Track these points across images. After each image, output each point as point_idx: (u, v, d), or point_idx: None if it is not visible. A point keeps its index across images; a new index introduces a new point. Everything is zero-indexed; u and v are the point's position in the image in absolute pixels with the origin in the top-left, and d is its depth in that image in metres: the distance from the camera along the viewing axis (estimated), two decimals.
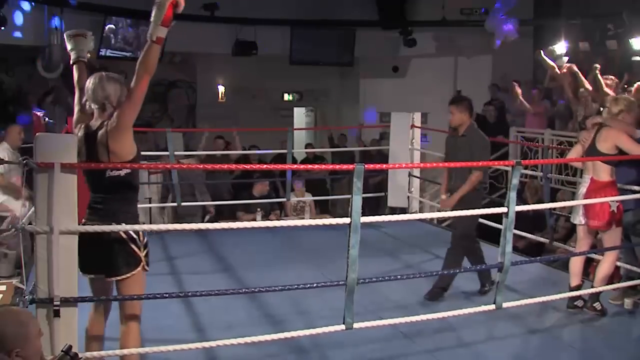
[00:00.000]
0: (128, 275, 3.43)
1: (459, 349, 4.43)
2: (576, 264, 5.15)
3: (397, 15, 12.47)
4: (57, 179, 3.29)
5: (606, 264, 5.04)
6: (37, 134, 3.43)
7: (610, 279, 5.98)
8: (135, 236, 3.43)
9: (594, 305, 4.98)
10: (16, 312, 2.54)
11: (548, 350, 4.50)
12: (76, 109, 3.63)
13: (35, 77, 10.85)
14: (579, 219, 5.12)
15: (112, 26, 10.76)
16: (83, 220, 3.47)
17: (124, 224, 3.38)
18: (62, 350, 2.53)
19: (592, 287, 5.00)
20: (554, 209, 6.59)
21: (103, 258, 3.42)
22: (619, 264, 5.58)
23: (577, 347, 4.59)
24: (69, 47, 3.83)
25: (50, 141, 3.43)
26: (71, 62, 3.84)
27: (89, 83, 3.44)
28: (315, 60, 12.54)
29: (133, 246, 3.43)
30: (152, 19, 3.27)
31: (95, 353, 3.66)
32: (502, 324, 4.83)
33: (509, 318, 4.90)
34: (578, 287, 5.10)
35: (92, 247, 3.37)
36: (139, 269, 3.46)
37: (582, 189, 5.08)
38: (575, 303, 5.07)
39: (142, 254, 3.47)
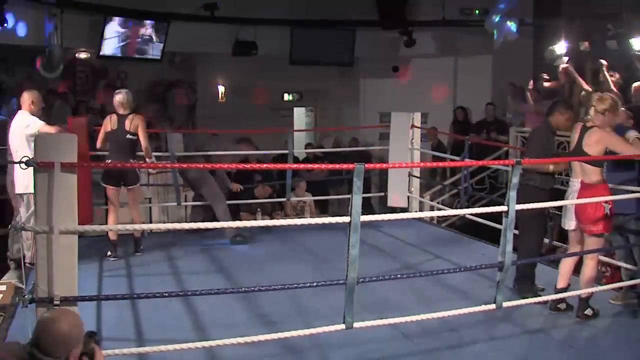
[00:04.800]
0: (136, 185, 6.65)
1: (459, 349, 4.42)
2: (566, 266, 5.05)
3: (397, 15, 12.43)
4: (57, 179, 3.29)
5: (589, 267, 4.90)
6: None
7: (610, 279, 6.00)
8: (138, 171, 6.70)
9: (585, 312, 4.89)
10: (73, 314, 2.86)
11: (548, 351, 4.49)
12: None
13: (35, 77, 10.83)
14: (569, 223, 4.96)
15: (114, 26, 10.74)
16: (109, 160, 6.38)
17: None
18: (86, 334, 2.79)
19: (579, 296, 4.88)
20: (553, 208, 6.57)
21: (126, 178, 6.46)
22: (619, 264, 5.58)
23: (577, 348, 4.58)
24: None
25: (50, 141, 3.44)
26: None
27: (124, 95, 6.45)
28: (315, 60, 12.50)
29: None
30: None
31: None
32: (502, 324, 4.83)
33: (509, 318, 4.90)
34: (564, 289, 5.01)
35: (120, 174, 6.40)
36: (138, 184, 6.72)
37: (573, 194, 4.87)
38: (558, 305, 5.02)
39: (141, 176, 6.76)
